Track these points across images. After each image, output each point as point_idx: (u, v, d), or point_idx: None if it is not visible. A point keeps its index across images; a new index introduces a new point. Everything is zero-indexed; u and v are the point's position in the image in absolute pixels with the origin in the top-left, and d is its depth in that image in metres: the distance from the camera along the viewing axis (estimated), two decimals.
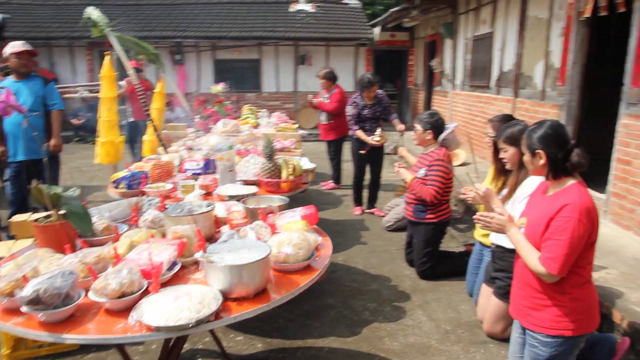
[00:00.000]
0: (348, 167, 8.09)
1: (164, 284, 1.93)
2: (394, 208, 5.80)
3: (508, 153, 3.21)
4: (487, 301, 3.44)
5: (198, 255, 1.88)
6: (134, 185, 3.39)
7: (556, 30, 6.23)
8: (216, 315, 1.76)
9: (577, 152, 2.46)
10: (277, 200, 3.02)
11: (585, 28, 5.74)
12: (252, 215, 2.77)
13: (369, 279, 4.35)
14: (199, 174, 3.90)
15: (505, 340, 3.31)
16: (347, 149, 6.69)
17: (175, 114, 12.19)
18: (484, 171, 7.91)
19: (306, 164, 4.14)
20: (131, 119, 8.12)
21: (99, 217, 2.53)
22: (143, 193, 3.31)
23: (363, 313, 3.73)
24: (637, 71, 4.63)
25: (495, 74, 8.27)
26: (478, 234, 3.86)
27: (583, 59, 5.85)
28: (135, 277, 1.83)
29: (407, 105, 15.20)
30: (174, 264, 2.10)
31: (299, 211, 2.63)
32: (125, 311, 1.80)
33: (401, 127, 5.85)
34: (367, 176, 6.31)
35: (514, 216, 3.04)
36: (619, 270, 3.77)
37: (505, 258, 3.24)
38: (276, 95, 14.72)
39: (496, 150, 3.37)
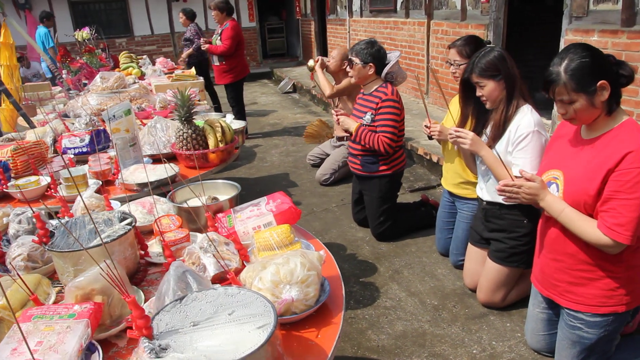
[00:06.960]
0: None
1: None
2: (327, 158, 5.02)
3: (487, 88, 2.52)
4: (479, 265, 2.87)
5: (143, 346, 0.99)
6: None
7: None
8: None
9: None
10: (222, 185, 2.04)
11: None
12: (189, 219, 1.84)
13: None
14: (85, 154, 2.81)
15: (505, 309, 2.80)
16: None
17: (31, 71, 10.23)
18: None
19: (233, 122, 3.17)
20: None
21: None
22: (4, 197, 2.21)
23: None
24: None
25: None
26: (447, 182, 3.24)
27: None
28: None
29: (297, 38, 14.16)
30: (89, 349, 1.17)
31: (265, 204, 1.72)
32: None
33: None
34: None
35: (513, 165, 2.46)
36: None
37: (503, 216, 2.65)
38: (151, 39, 12.97)
39: (465, 88, 2.68)
